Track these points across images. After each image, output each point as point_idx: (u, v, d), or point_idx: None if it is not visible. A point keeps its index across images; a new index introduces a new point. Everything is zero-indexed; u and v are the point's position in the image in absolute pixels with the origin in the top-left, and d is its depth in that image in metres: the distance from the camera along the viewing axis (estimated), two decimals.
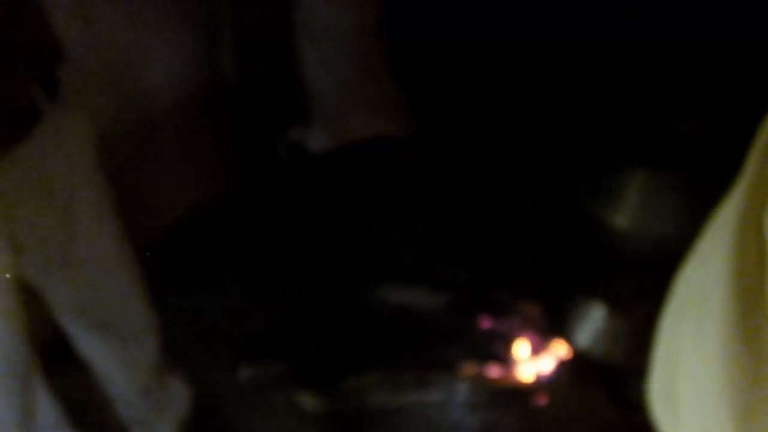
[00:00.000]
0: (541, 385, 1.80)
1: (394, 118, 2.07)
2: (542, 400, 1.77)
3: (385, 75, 2.01)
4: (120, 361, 1.39)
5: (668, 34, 1.97)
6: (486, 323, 2.00)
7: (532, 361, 1.86)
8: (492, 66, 2.43)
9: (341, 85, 1.96)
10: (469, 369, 1.85)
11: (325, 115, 2.01)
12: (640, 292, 1.63)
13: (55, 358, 1.31)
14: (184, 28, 2.07)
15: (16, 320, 1.13)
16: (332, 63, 1.94)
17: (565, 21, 2.25)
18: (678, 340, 0.51)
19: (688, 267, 0.52)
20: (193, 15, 2.07)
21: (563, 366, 1.83)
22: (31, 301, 1.17)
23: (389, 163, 2.26)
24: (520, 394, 1.78)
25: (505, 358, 1.88)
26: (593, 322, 1.73)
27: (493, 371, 1.85)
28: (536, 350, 1.87)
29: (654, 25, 2.04)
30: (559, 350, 1.85)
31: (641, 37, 2.05)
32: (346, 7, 1.91)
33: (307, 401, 1.79)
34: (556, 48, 2.30)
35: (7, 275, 1.11)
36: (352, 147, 2.05)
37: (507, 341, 1.93)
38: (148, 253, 1.35)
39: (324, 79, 1.96)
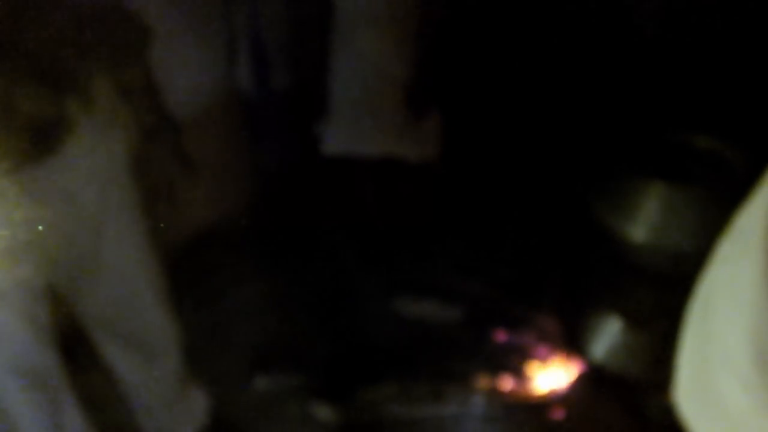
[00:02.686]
0: (557, 399, 1.79)
1: (414, 142, 2.08)
2: (558, 414, 1.76)
3: (408, 99, 2.02)
4: (144, 371, 1.40)
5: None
6: (501, 336, 1.99)
7: (547, 375, 1.85)
8: (507, 76, 2.44)
9: (370, 99, 1.98)
10: (484, 382, 1.85)
11: (345, 123, 2.02)
12: (658, 306, 1.62)
13: (75, 367, 1.32)
14: (206, 38, 2.10)
15: (45, 330, 1.14)
16: (367, 80, 1.95)
17: (580, 32, 2.25)
18: (707, 338, 0.52)
19: (712, 268, 0.53)
20: (214, 24, 2.09)
21: (579, 380, 1.82)
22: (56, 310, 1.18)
23: (401, 185, 2.27)
24: (536, 407, 1.77)
25: (520, 372, 1.87)
26: (610, 336, 1.72)
27: (509, 384, 1.84)
28: (552, 364, 1.86)
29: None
30: (575, 364, 1.84)
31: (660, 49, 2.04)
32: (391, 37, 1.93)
33: (322, 412, 1.79)
34: (574, 60, 2.31)
35: (40, 284, 1.12)
36: (363, 163, 2.06)
37: (523, 354, 1.93)
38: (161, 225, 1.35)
39: (353, 90, 1.97)
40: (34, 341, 1.13)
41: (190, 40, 2.08)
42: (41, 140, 1.01)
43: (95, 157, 1.12)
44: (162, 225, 1.33)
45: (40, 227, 1.05)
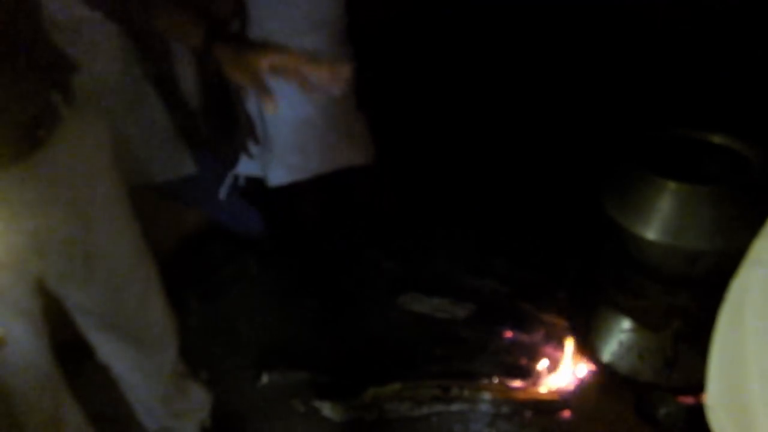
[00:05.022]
0: (565, 398, 1.77)
1: (363, 148, 2.03)
2: (566, 414, 1.74)
3: (353, 105, 1.96)
4: (141, 367, 1.38)
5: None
6: (510, 335, 1.98)
7: (556, 374, 1.83)
8: (528, 70, 2.42)
9: (308, 122, 1.90)
10: (491, 381, 1.83)
11: (285, 152, 1.94)
12: (670, 308, 1.59)
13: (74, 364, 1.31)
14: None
15: (41, 327, 1.13)
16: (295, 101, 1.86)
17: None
18: (741, 344, 0.49)
19: (744, 271, 0.50)
20: None
21: (588, 380, 1.80)
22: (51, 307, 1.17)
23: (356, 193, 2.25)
24: (544, 407, 1.76)
25: (528, 371, 1.86)
26: (620, 337, 1.70)
27: (517, 383, 1.83)
28: (561, 363, 1.85)
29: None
30: (584, 364, 1.82)
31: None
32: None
33: (328, 409, 1.78)
34: (586, 58, 2.28)
35: (32, 280, 1.11)
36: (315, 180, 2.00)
37: (531, 353, 1.91)
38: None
39: (288, 116, 1.88)
40: (31, 338, 1.12)
41: None
42: (29, 133, 1.00)
43: (81, 149, 1.11)
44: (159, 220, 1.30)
45: (32, 222, 1.04)
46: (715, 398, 0.53)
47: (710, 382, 0.53)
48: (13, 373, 1.11)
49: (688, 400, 1.66)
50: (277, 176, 1.96)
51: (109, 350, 1.34)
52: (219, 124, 2.03)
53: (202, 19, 1.10)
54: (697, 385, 1.61)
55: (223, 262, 2.18)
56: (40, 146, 1.01)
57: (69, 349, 1.25)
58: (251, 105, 1.91)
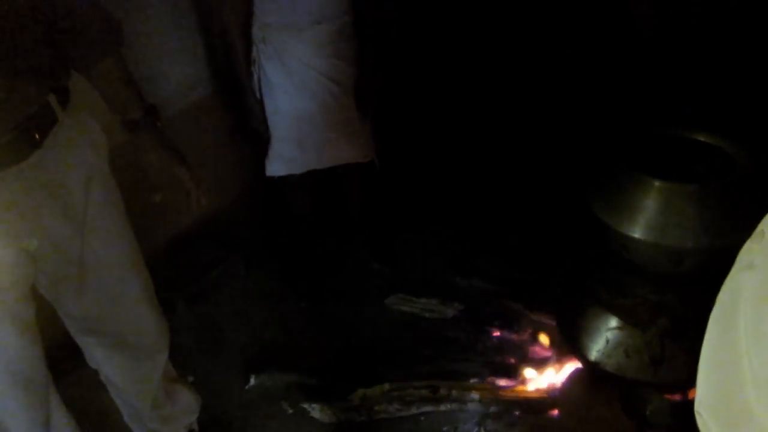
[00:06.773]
0: (553, 397, 1.77)
1: (360, 146, 2.06)
2: (554, 412, 1.75)
3: (353, 103, 1.99)
4: (130, 373, 1.37)
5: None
6: (498, 334, 1.98)
7: (544, 373, 1.84)
8: (515, 73, 2.42)
9: (307, 117, 1.94)
10: (480, 380, 1.83)
11: (283, 145, 2.00)
12: (657, 306, 1.60)
13: (62, 366, 1.30)
14: (191, 39, 2.08)
15: (34, 333, 1.12)
16: (300, 95, 1.91)
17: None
18: (733, 351, 0.47)
19: (735, 274, 0.48)
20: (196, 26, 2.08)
21: (575, 378, 1.80)
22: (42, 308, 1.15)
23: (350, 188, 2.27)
24: (532, 405, 1.76)
25: (516, 370, 1.86)
26: (606, 335, 1.70)
27: (505, 382, 1.83)
28: (548, 362, 1.85)
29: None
30: (572, 362, 1.83)
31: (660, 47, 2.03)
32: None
33: (317, 411, 1.77)
34: (572, 59, 2.29)
35: (26, 285, 1.10)
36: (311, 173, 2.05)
37: (519, 352, 1.91)
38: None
39: (288, 110, 1.94)
40: (23, 343, 1.11)
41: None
42: (25, 135, 0.99)
43: (75, 150, 1.10)
44: (149, 221, 1.30)
45: (27, 226, 1.03)
46: (704, 405, 0.51)
47: (700, 389, 0.52)
48: (6, 377, 1.10)
49: (675, 396, 1.67)
50: (274, 168, 2.04)
51: (99, 355, 1.33)
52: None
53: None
54: (683, 381, 1.64)
55: (211, 264, 2.17)
56: (36, 148, 1.01)
57: (58, 351, 1.23)
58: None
